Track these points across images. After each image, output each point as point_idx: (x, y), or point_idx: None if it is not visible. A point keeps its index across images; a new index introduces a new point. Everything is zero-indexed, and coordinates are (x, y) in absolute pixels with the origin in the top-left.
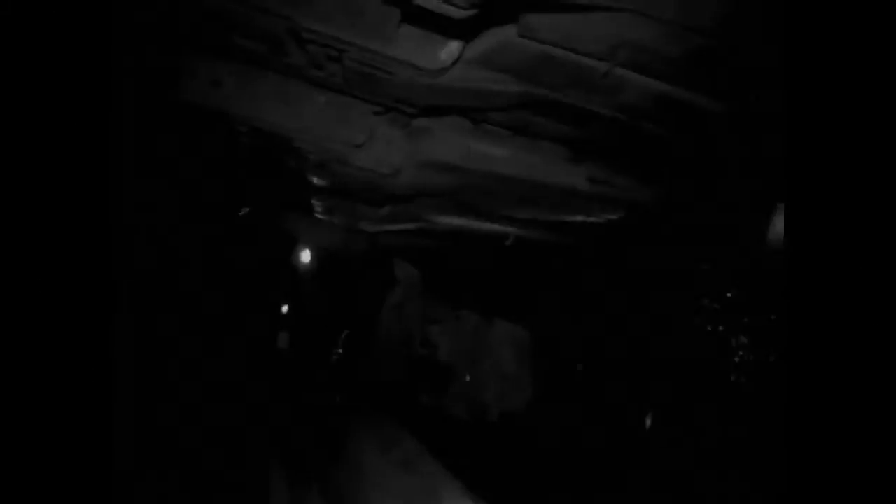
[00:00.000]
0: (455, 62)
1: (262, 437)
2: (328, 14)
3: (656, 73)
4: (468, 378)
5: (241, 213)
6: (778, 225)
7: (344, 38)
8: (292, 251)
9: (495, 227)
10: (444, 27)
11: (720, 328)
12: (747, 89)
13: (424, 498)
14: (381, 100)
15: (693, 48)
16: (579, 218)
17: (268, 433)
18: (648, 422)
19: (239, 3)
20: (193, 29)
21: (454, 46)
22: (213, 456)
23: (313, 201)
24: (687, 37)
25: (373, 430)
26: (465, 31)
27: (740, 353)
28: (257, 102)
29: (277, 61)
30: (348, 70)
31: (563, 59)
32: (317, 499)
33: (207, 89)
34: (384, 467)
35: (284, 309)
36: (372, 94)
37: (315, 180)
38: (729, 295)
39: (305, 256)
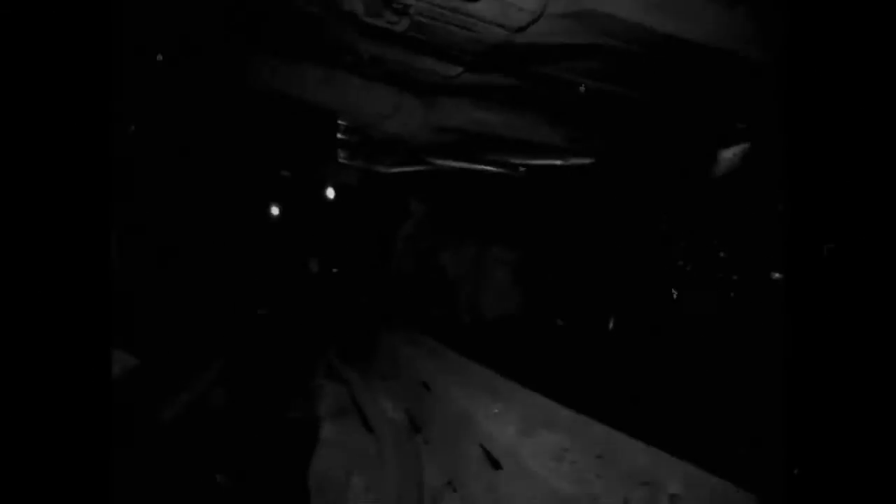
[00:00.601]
0: (464, 71)
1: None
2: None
3: (600, 79)
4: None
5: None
6: (718, 165)
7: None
8: (320, 190)
9: (490, 169)
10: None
11: (670, 251)
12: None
13: (452, 369)
14: (408, 85)
15: (622, 66)
16: (558, 162)
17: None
18: (611, 324)
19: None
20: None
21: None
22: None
23: (339, 150)
24: (619, 61)
25: (400, 333)
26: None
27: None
28: (306, 83)
29: (329, 57)
30: (388, 69)
31: (549, 76)
32: (372, 374)
33: (270, 76)
34: (414, 355)
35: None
36: (403, 82)
37: (346, 138)
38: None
39: (330, 192)
